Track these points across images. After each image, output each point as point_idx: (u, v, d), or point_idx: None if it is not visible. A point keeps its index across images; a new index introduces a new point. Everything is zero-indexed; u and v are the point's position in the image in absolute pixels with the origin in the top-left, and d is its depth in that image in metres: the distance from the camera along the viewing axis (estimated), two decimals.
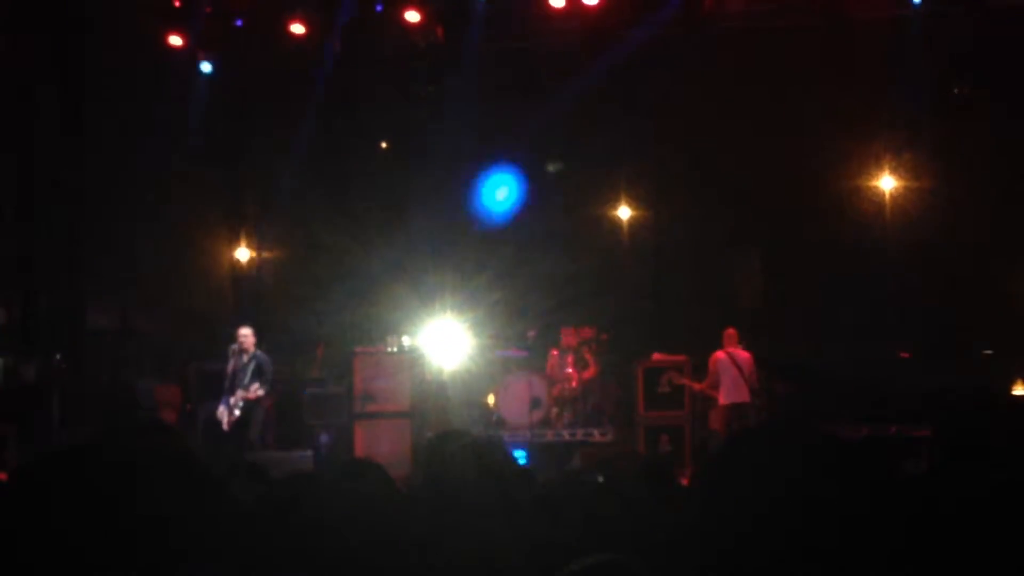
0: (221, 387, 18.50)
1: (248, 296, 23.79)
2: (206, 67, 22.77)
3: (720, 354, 18.76)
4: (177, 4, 21.80)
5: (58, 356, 20.03)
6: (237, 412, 18.02)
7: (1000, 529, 3.27)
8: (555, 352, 20.45)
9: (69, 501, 3.02)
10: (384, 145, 24.78)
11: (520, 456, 18.56)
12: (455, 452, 3.85)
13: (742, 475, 2.68)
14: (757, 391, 18.74)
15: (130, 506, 3.04)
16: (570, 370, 20.17)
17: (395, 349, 20.15)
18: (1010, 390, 19.50)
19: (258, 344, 18.43)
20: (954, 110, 21.01)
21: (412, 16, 21.62)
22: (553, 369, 20.37)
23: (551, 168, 24.03)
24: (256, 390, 17.97)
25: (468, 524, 3.63)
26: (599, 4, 20.83)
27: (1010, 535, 3.24)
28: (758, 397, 18.71)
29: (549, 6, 21.08)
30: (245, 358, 18.20)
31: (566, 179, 23.10)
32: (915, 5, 20.17)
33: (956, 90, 21.29)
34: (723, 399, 18.64)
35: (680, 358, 19.76)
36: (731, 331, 18.96)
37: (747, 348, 18.98)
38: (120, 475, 3.10)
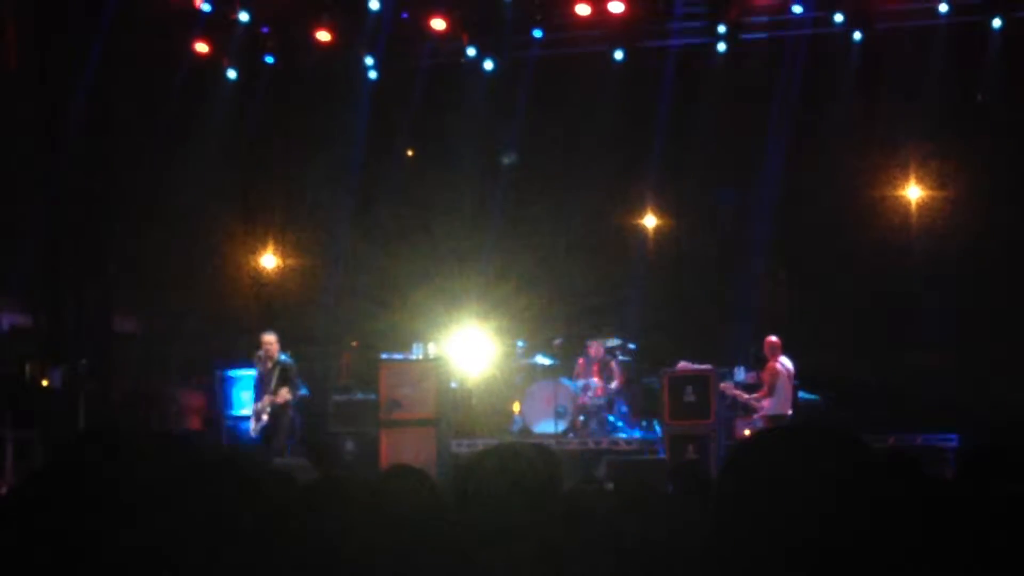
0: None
1: (273, 303, 23.83)
2: (232, 74, 22.84)
3: (777, 365, 18.45)
4: (201, 10, 21.80)
5: (84, 362, 20.08)
6: (264, 418, 18.08)
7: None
8: (582, 361, 20.44)
9: (76, 510, 3.03)
10: (410, 152, 24.81)
11: None
12: (479, 460, 3.85)
13: (762, 476, 2.67)
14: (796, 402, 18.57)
15: (139, 517, 3.04)
16: (596, 379, 20.15)
17: (420, 356, 20.18)
18: None
19: (283, 351, 18.49)
20: (977, 118, 20.96)
21: (438, 24, 21.65)
22: (579, 378, 20.35)
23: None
24: (284, 394, 18.02)
25: (494, 533, 3.64)
26: (625, 12, 20.83)
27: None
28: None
29: (575, 14, 21.08)
30: (270, 364, 18.26)
31: (593, 187, 23.03)
32: (941, 15, 20.10)
33: (979, 97, 21.25)
34: (772, 410, 18.37)
35: (706, 367, 19.66)
36: (775, 340, 18.62)
37: (756, 358, 18.89)
38: (130, 485, 3.10)
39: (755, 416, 18.62)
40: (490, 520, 3.57)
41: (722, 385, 19.08)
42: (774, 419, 18.20)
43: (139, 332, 23.14)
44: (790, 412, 18.30)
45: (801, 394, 19.32)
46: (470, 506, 3.69)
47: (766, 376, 18.48)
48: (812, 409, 19.41)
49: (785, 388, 18.35)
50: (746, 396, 18.93)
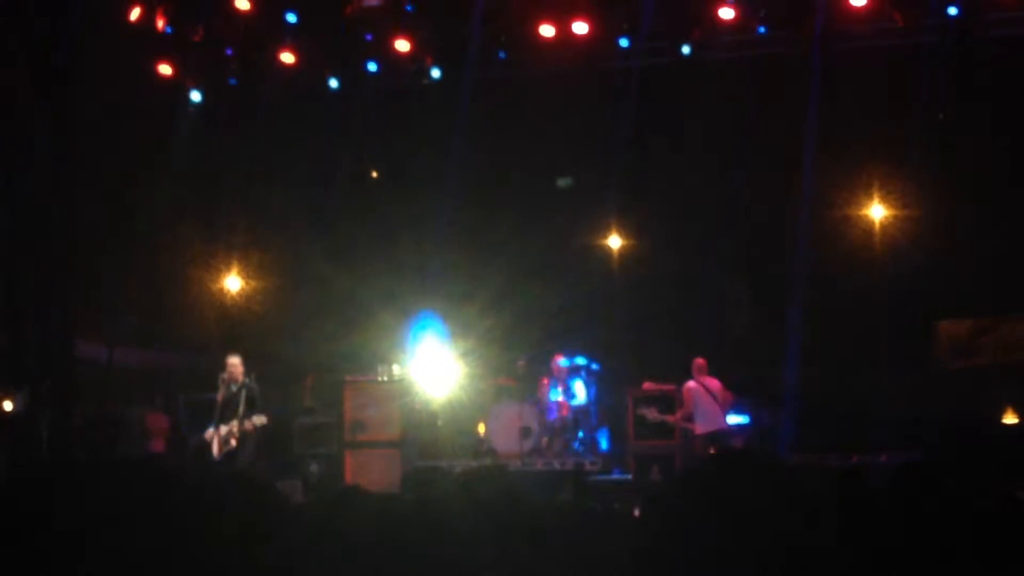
0: (211, 416, 18.48)
1: (237, 325, 23.69)
2: (195, 96, 22.77)
3: (692, 384, 19.01)
4: (165, 32, 21.74)
5: (46, 385, 19.93)
6: (233, 443, 17.98)
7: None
8: (545, 380, 20.41)
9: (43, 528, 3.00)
10: (374, 174, 24.76)
11: None
12: (446, 484, 3.83)
13: (696, 502, 2.70)
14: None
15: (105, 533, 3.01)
16: (561, 399, 20.13)
17: (385, 378, 20.11)
18: (1000, 418, 19.50)
19: (247, 373, 18.40)
20: (939, 137, 21.02)
21: (402, 45, 21.64)
22: (543, 397, 20.32)
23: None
24: (259, 421, 17.91)
25: (457, 555, 3.61)
26: (589, 33, 20.86)
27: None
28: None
29: (539, 35, 21.10)
30: (234, 387, 18.18)
31: (556, 208, 23.07)
32: (902, 35, 20.15)
33: (941, 116, 21.32)
34: (699, 428, 18.82)
35: (670, 387, 19.75)
36: (700, 361, 19.35)
37: (718, 376, 19.23)
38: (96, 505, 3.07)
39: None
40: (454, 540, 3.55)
41: (641, 410, 19.47)
42: (705, 436, 18.68)
43: (102, 356, 22.97)
44: (724, 426, 18.71)
45: (733, 413, 19.58)
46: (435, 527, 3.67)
47: (684, 396, 19.01)
48: (745, 429, 19.64)
49: (706, 405, 18.90)
50: (671, 417, 19.36)
